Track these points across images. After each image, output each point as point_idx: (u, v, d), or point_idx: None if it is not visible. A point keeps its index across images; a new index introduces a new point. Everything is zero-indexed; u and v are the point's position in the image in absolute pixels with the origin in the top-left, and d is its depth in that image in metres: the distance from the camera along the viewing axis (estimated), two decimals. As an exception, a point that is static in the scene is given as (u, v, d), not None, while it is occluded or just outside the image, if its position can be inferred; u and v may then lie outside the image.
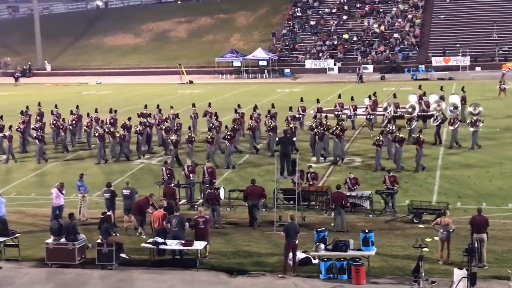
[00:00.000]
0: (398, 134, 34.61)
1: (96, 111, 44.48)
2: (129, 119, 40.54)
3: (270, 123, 38.97)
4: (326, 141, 36.54)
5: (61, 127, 41.96)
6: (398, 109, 44.53)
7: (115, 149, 38.75)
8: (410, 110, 42.89)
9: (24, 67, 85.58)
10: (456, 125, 38.38)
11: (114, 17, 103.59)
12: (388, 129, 36.48)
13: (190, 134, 36.56)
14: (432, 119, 40.94)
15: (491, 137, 40.30)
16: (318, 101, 45.54)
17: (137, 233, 25.04)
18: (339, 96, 47.09)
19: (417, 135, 34.40)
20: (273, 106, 43.43)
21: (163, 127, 39.63)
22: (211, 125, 40.27)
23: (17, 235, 24.14)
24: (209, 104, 43.99)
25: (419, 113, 42.90)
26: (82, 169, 32.80)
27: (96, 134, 38.59)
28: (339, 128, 36.18)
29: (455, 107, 42.66)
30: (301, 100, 46.06)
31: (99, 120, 42.50)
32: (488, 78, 64.59)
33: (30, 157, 39.27)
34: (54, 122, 42.54)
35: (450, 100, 45.69)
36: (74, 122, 43.01)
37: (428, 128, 40.94)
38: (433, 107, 43.47)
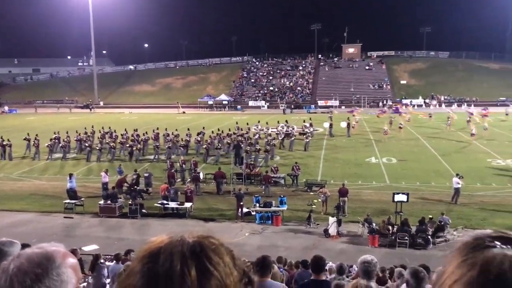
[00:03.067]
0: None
1: (125, 130, 40.69)
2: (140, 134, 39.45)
3: (232, 138, 36.97)
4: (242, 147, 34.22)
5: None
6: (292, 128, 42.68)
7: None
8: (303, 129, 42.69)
9: (87, 103, 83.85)
10: (309, 139, 38.07)
11: (140, 75, 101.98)
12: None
13: (183, 143, 36.04)
14: (305, 136, 39.18)
15: (351, 145, 40.53)
16: (247, 124, 44.08)
17: (121, 199, 23.51)
18: (258, 121, 45.59)
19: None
20: (238, 129, 41.19)
21: (128, 145, 35.78)
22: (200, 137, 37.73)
23: (82, 199, 23.85)
24: (203, 128, 42.20)
25: (302, 132, 41.74)
26: (112, 164, 32.34)
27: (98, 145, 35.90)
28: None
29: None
30: (236, 123, 44.98)
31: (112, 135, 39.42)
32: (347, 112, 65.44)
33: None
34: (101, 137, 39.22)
35: (341, 125, 44.82)
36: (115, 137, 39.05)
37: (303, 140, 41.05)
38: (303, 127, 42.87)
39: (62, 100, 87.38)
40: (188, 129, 40.47)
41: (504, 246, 0.81)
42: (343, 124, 45.06)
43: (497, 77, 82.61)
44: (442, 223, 19.03)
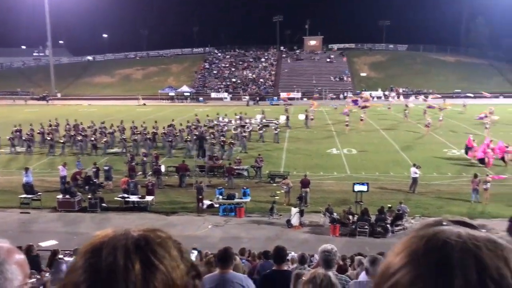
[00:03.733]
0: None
1: (93, 122, 40.76)
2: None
3: (194, 131, 36.67)
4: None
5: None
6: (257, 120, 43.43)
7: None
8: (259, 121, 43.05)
9: (44, 94, 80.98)
10: (278, 130, 38.32)
11: (99, 66, 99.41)
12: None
13: (147, 136, 35.37)
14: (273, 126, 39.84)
15: (313, 136, 40.97)
16: (207, 115, 43.87)
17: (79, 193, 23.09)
18: (217, 113, 46.62)
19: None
20: (198, 121, 41.00)
21: (92, 138, 34.73)
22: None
23: (39, 193, 23.16)
24: (172, 120, 41.05)
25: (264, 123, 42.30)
26: (78, 157, 31.59)
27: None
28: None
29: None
30: (196, 115, 44.35)
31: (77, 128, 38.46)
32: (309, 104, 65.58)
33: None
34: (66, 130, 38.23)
35: (299, 117, 45.67)
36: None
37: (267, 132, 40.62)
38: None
39: (17, 92, 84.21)
40: (156, 122, 39.74)
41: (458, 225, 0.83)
42: (301, 116, 45.54)
43: (453, 69, 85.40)
44: (401, 212, 19.57)
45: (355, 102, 54.24)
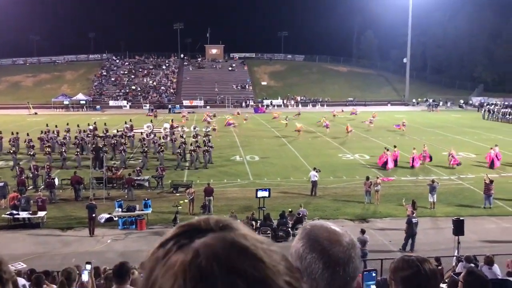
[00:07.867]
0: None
1: None
2: None
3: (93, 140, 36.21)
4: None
5: None
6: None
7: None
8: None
9: None
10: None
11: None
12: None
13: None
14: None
15: (216, 144, 40.86)
16: (101, 124, 43.33)
17: None
18: (125, 122, 45.27)
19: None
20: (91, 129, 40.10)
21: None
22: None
23: None
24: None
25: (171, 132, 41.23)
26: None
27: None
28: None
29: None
30: (88, 124, 43.60)
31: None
32: (213, 111, 65.41)
33: None
34: None
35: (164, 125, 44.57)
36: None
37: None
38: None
39: None
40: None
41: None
42: (166, 125, 43.86)
43: (346, 79, 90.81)
44: (301, 215, 20.27)
45: (256, 110, 55.49)
